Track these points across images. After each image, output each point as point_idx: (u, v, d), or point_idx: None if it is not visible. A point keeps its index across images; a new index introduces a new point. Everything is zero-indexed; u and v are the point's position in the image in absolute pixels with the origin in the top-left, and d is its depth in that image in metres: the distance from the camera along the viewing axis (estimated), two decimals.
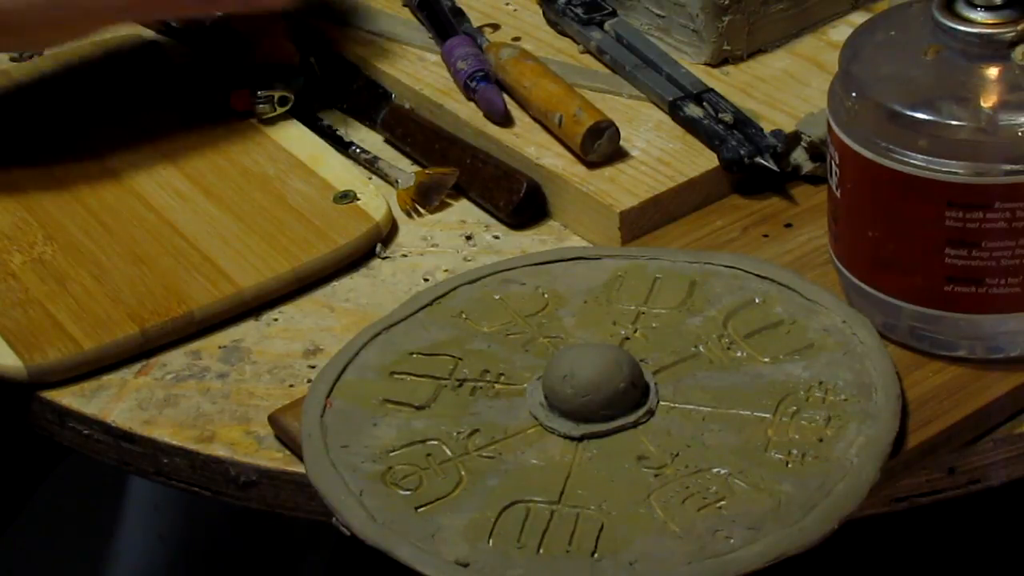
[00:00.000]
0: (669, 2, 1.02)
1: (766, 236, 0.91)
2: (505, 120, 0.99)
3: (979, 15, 0.77)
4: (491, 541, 0.72)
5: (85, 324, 0.87)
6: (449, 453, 0.76)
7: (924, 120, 0.75)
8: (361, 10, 1.11)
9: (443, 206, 0.97)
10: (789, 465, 0.74)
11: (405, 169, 0.99)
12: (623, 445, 0.76)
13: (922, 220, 0.77)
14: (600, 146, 0.93)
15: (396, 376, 0.81)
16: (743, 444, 0.75)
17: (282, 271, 0.90)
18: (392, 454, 0.76)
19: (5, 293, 0.90)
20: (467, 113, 1.00)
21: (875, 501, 0.76)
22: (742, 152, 0.92)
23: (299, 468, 0.79)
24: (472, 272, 0.87)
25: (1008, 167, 0.75)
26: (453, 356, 0.82)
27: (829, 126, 0.80)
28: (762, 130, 0.94)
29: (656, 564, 0.70)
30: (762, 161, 0.92)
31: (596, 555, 0.71)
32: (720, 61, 1.02)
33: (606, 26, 1.05)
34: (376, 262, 0.93)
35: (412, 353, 0.82)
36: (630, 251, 0.88)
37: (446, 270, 0.92)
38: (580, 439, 0.76)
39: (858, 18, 1.04)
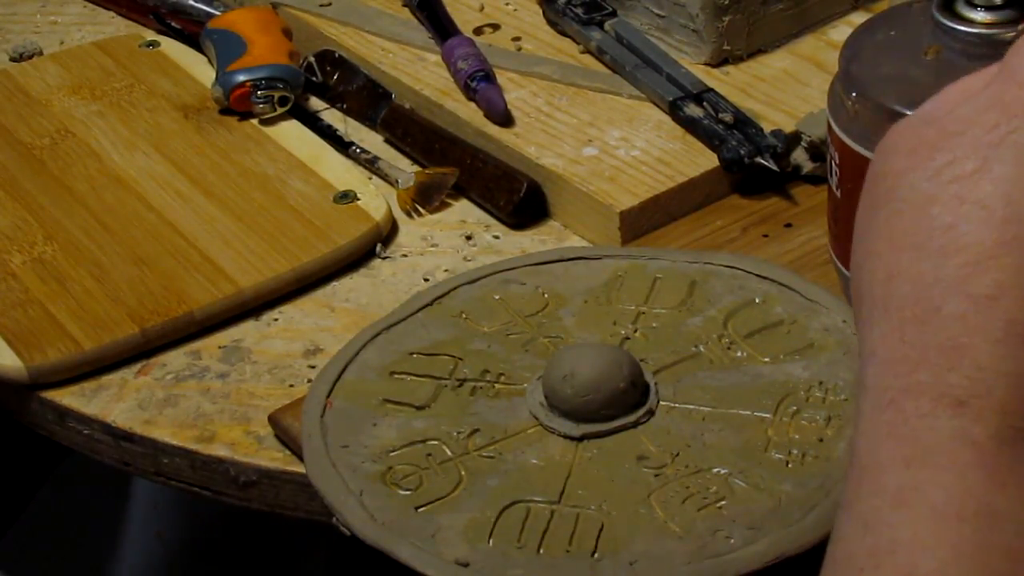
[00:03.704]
0: (669, 2, 1.02)
1: (766, 236, 0.91)
2: (505, 120, 0.99)
3: (979, 15, 0.76)
4: (491, 541, 0.72)
5: (85, 324, 0.87)
6: (449, 453, 0.76)
7: None
8: (361, 10, 1.11)
9: (443, 206, 0.97)
10: (789, 465, 0.74)
11: (405, 169, 0.99)
12: (623, 445, 0.76)
13: None
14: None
15: (396, 376, 0.81)
16: (743, 444, 0.75)
17: (282, 271, 0.90)
18: (392, 454, 0.76)
19: (5, 293, 0.90)
20: (467, 113, 1.00)
21: None
22: (742, 152, 0.92)
23: (299, 468, 0.79)
24: (472, 272, 0.87)
25: None
26: (453, 356, 0.82)
27: (829, 126, 0.80)
28: (762, 130, 0.94)
29: (656, 564, 0.70)
30: (762, 161, 0.92)
31: (596, 555, 0.71)
32: (720, 61, 1.02)
33: (606, 26, 1.05)
34: (376, 262, 0.93)
35: (412, 353, 0.82)
36: (630, 251, 0.88)
37: (446, 270, 0.92)
38: (580, 439, 0.76)
39: (858, 18, 1.04)
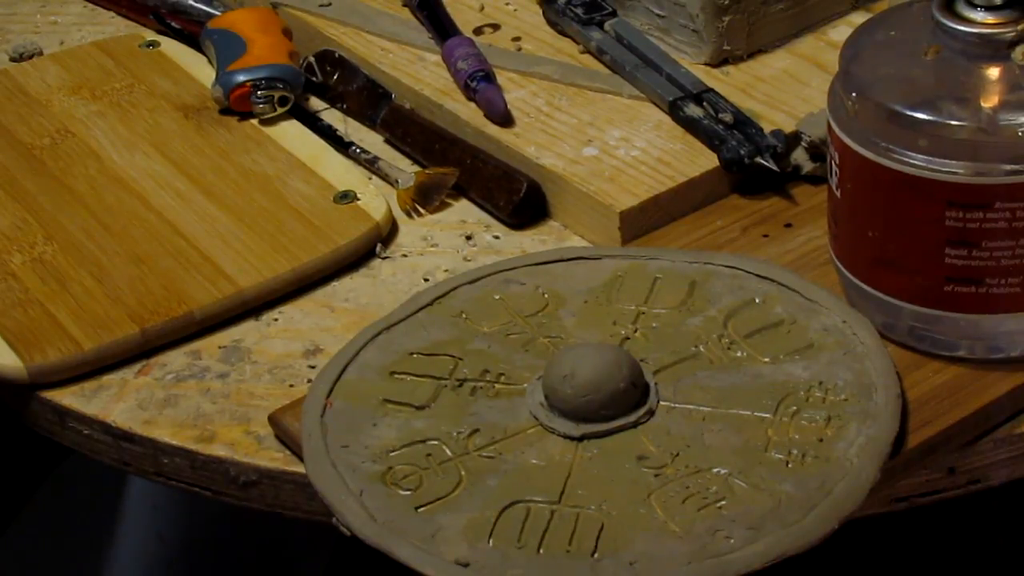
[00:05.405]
0: (669, 2, 1.02)
1: (766, 236, 0.91)
2: (505, 120, 0.99)
3: (979, 15, 0.77)
4: (491, 541, 0.72)
5: (85, 324, 0.87)
6: (449, 453, 0.76)
7: (924, 120, 0.75)
8: (361, 10, 1.11)
9: (443, 206, 0.97)
10: (789, 465, 0.74)
11: (405, 169, 0.99)
12: (623, 445, 0.76)
13: (922, 220, 0.77)
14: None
15: (396, 376, 0.81)
16: (743, 444, 0.75)
17: (282, 271, 0.90)
18: (392, 454, 0.76)
19: (5, 293, 0.90)
20: (467, 113, 1.00)
21: (875, 501, 0.76)
22: (742, 152, 0.92)
23: (299, 468, 0.79)
24: (472, 272, 0.87)
25: (1008, 167, 0.75)
26: (453, 356, 0.82)
27: (829, 126, 0.80)
28: (762, 130, 0.94)
29: (656, 564, 0.70)
30: (762, 161, 0.92)
31: (596, 555, 0.71)
32: (720, 61, 1.02)
33: (606, 26, 1.05)
34: (376, 262, 0.93)
35: (412, 353, 0.82)
36: (630, 251, 0.88)
37: (446, 270, 0.92)
38: (580, 439, 0.76)
39: (858, 18, 1.04)
